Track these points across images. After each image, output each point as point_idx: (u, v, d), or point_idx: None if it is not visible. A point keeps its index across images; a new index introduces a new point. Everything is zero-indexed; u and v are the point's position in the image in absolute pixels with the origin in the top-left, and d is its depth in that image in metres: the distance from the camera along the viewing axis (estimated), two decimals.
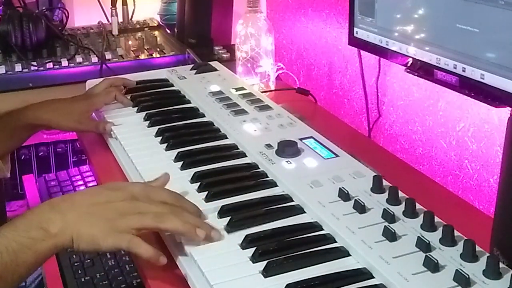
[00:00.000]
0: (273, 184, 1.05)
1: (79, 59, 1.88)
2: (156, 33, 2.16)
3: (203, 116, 1.34)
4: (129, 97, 1.43)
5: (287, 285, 0.80)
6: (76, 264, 1.30)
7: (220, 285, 0.82)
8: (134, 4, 2.28)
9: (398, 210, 0.92)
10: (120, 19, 2.21)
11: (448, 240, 0.84)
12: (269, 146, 1.15)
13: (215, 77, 1.53)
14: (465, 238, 0.84)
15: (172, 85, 1.53)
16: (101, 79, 1.46)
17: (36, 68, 1.82)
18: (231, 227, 0.92)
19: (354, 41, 1.25)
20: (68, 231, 0.88)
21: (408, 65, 1.10)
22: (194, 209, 0.96)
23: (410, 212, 0.91)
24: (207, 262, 0.86)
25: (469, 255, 0.81)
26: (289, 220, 0.95)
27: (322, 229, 0.92)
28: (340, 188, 0.98)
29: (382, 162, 1.21)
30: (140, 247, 0.88)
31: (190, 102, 1.42)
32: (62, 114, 1.33)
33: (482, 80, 0.92)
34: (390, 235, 0.86)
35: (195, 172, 1.09)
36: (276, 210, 0.97)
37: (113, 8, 2.16)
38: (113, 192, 0.94)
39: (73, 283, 1.27)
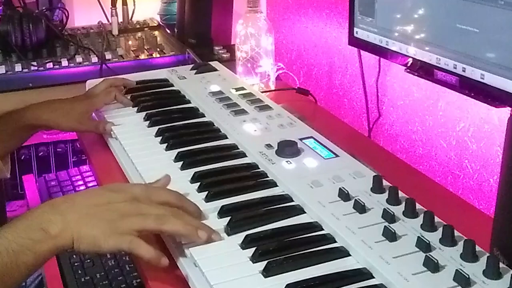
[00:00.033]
0: (273, 184, 1.05)
1: (79, 59, 1.88)
2: (156, 33, 2.16)
3: (203, 116, 1.34)
4: (129, 97, 1.43)
5: (287, 285, 0.80)
6: (76, 264, 1.30)
7: (220, 285, 0.82)
8: (134, 4, 2.28)
9: (398, 210, 0.92)
10: (120, 19, 2.21)
11: (448, 240, 0.84)
12: (269, 146, 1.15)
13: (215, 77, 1.53)
14: (465, 238, 0.84)
15: (172, 85, 1.53)
16: (101, 79, 1.46)
17: (36, 68, 1.82)
18: (231, 227, 0.92)
19: (354, 41, 1.25)
20: (68, 232, 0.87)
21: (408, 65, 1.10)
22: (195, 208, 0.96)
23: (410, 212, 0.91)
24: (207, 262, 0.86)
25: (469, 255, 0.81)
26: (289, 220, 0.95)
27: (322, 229, 0.92)
28: (340, 188, 0.98)
29: (382, 162, 1.21)
30: (141, 248, 0.88)
31: (190, 102, 1.42)
32: (62, 114, 1.33)
33: (482, 80, 0.92)
34: (390, 235, 0.86)
35: (195, 172, 1.09)
36: (276, 210, 0.97)
37: (113, 8, 2.16)
38: (114, 193, 0.93)
39: (73, 283, 1.27)
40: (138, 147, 1.22)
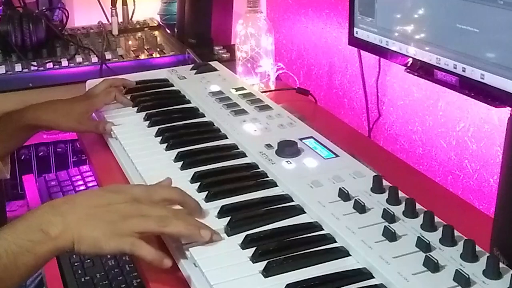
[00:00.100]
0: (273, 184, 1.05)
1: (79, 59, 1.88)
2: (156, 33, 2.16)
3: (203, 116, 1.34)
4: (129, 97, 1.43)
5: (287, 285, 0.80)
6: (76, 264, 1.30)
7: (220, 285, 0.82)
8: (134, 4, 2.27)
9: (398, 210, 0.92)
10: (120, 19, 2.21)
11: (448, 240, 0.84)
12: (269, 146, 1.15)
13: (215, 77, 1.53)
14: (465, 238, 0.84)
15: (172, 85, 1.53)
16: (101, 79, 1.45)
17: (36, 68, 1.82)
18: (231, 227, 0.92)
19: (354, 41, 1.25)
20: (69, 233, 0.87)
21: (408, 65, 1.10)
22: (195, 204, 0.96)
23: (410, 212, 0.91)
24: (207, 262, 0.86)
25: (469, 255, 0.81)
26: (289, 220, 0.95)
27: (322, 229, 0.92)
28: (340, 188, 0.98)
29: (382, 162, 1.21)
30: (143, 250, 0.87)
31: (190, 102, 1.42)
32: (62, 115, 1.33)
33: (482, 80, 0.92)
34: (390, 235, 0.86)
35: (195, 172, 1.09)
36: (276, 210, 0.97)
37: (113, 8, 2.16)
38: (114, 195, 0.93)
39: (73, 283, 1.27)
40: (138, 147, 1.22)
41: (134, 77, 1.52)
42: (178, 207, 0.96)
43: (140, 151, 1.21)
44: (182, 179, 1.07)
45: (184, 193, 0.97)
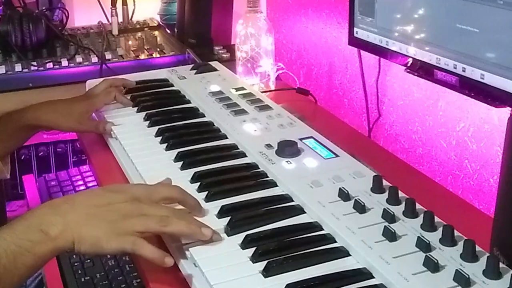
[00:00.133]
0: (273, 184, 1.05)
1: (79, 59, 1.88)
2: (156, 33, 2.16)
3: (203, 116, 1.34)
4: (129, 97, 1.43)
5: (287, 285, 0.80)
6: (76, 264, 1.30)
7: (220, 285, 0.82)
8: (134, 4, 2.27)
9: (398, 210, 0.92)
10: (120, 19, 2.21)
11: (448, 240, 0.84)
12: (269, 146, 1.15)
13: (215, 77, 1.53)
14: (465, 238, 0.84)
15: (172, 85, 1.53)
16: (101, 79, 1.45)
17: (36, 68, 1.82)
18: (231, 227, 0.92)
19: (354, 41, 1.25)
20: (69, 233, 0.87)
21: (408, 65, 1.10)
22: (195, 202, 0.96)
23: (410, 212, 0.91)
24: (207, 262, 0.86)
25: (469, 255, 0.81)
26: (289, 220, 0.95)
27: (322, 229, 0.92)
28: (340, 188, 0.98)
29: (382, 162, 1.21)
30: (144, 249, 0.87)
31: (190, 102, 1.42)
32: (62, 115, 1.33)
33: (482, 80, 0.92)
34: (390, 235, 0.86)
35: (195, 172, 1.09)
36: (276, 210, 0.97)
37: (113, 8, 2.16)
38: (114, 194, 0.93)
39: (73, 283, 1.27)
40: (138, 147, 1.22)
41: (134, 77, 1.52)
42: (179, 206, 0.96)
43: (140, 151, 1.21)
44: (182, 179, 1.07)
45: (184, 191, 0.97)
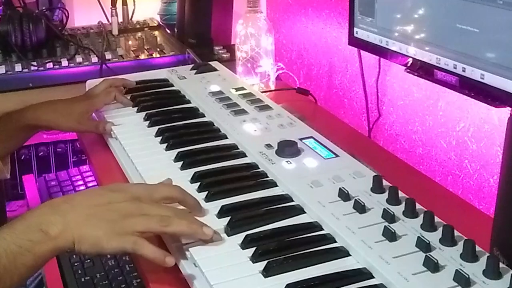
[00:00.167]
0: (273, 184, 1.05)
1: (79, 59, 1.88)
2: (156, 33, 2.16)
3: (203, 116, 1.34)
4: (129, 97, 1.43)
5: (287, 285, 0.80)
6: (76, 264, 1.30)
7: (220, 285, 0.82)
8: (134, 4, 2.27)
9: (398, 210, 0.92)
10: (120, 19, 2.21)
11: (448, 240, 0.84)
12: (269, 146, 1.15)
13: (215, 77, 1.53)
14: (465, 238, 0.84)
15: (172, 85, 1.53)
16: (101, 79, 1.46)
17: (36, 68, 1.82)
18: (231, 227, 0.92)
19: (354, 41, 1.25)
20: (69, 233, 0.87)
21: (408, 65, 1.10)
22: (195, 202, 0.96)
23: (410, 212, 0.91)
24: (207, 262, 0.86)
25: (469, 255, 0.81)
26: (289, 220, 0.95)
27: (322, 229, 0.92)
28: (340, 188, 0.98)
29: (382, 162, 1.21)
30: (145, 249, 0.87)
31: (190, 102, 1.42)
32: (62, 115, 1.33)
33: (482, 80, 0.92)
34: (390, 235, 0.86)
35: (195, 172, 1.09)
36: (276, 210, 0.97)
37: (113, 8, 2.16)
38: (114, 193, 0.93)
39: (73, 283, 1.26)
40: (138, 147, 1.22)
41: (134, 77, 1.52)
42: (180, 207, 0.96)
43: (140, 151, 1.21)
44: (182, 179, 1.07)
45: (184, 191, 0.97)
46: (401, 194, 0.96)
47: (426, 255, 0.81)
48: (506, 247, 0.88)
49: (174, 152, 1.17)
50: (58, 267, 1.31)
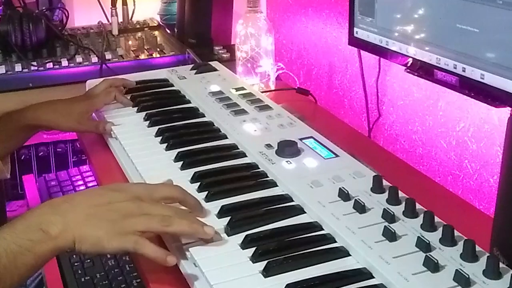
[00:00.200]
0: (273, 184, 1.05)
1: (79, 59, 1.88)
2: (156, 33, 2.16)
3: (203, 116, 1.34)
4: (129, 97, 1.43)
5: (287, 285, 0.80)
6: (76, 264, 1.30)
7: (220, 285, 0.82)
8: (134, 4, 2.27)
9: (398, 210, 0.92)
10: (120, 19, 2.21)
11: (448, 240, 0.84)
12: (269, 146, 1.15)
13: (215, 77, 1.53)
14: (465, 238, 0.84)
15: (172, 85, 1.53)
16: (101, 79, 1.46)
17: (36, 68, 1.82)
18: (231, 227, 0.92)
19: (354, 41, 1.25)
20: (69, 233, 0.87)
21: (408, 65, 1.10)
22: (196, 202, 0.96)
23: (410, 212, 0.91)
24: (207, 262, 0.86)
25: (469, 255, 0.81)
26: (289, 220, 0.95)
27: (322, 229, 0.92)
28: (340, 188, 0.98)
29: (382, 162, 1.21)
30: (147, 248, 0.87)
31: (190, 102, 1.42)
32: (62, 115, 1.33)
33: (482, 80, 0.92)
34: (390, 235, 0.86)
35: (195, 172, 1.09)
36: (276, 210, 0.97)
37: (113, 8, 2.16)
38: (115, 193, 0.93)
39: (73, 283, 1.27)
40: (138, 147, 1.22)
41: (134, 77, 1.52)
42: (182, 207, 0.96)
43: (140, 151, 1.21)
44: (182, 179, 1.07)
45: (184, 191, 0.97)
46: (401, 194, 0.96)
47: (426, 255, 0.81)
48: (506, 247, 0.88)
49: (174, 152, 1.17)
50: (58, 267, 1.31)
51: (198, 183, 1.05)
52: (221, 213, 0.96)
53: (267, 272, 0.83)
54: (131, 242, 0.87)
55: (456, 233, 0.85)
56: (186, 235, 0.90)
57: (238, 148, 1.19)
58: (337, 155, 1.11)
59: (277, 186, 1.05)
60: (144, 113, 1.36)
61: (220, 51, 1.90)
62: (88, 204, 0.90)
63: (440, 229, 0.86)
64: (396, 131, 1.55)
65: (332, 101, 1.80)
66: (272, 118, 1.28)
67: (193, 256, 0.87)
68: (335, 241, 0.89)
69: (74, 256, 1.32)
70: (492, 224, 0.92)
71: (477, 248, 0.82)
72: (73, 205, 0.90)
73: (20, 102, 1.35)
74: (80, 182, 1.75)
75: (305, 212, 0.97)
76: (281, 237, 0.90)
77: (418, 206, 0.93)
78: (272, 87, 1.65)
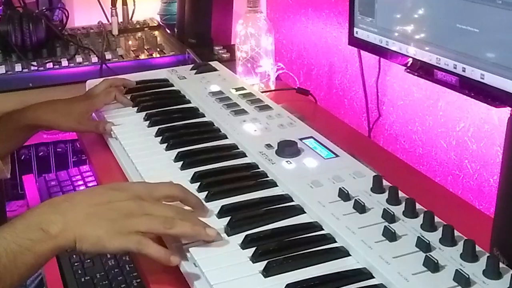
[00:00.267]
0: (273, 184, 1.05)
1: (79, 59, 1.88)
2: (156, 33, 2.16)
3: (203, 116, 1.34)
4: (129, 97, 1.43)
5: (287, 285, 0.80)
6: (76, 264, 1.30)
7: (220, 285, 0.82)
8: (134, 4, 2.27)
9: (398, 210, 0.92)
10: (120, 19, 2.21)
11: (448, 240, 0.84)
12: (269, 146, 1.15)
13: (215, 77, 1.53)
14: (465, 238, 0.84)
15: (172, 85, 1.53)
16: (101, 79, 1.46)
17: (36, 68, 1.82)
18: (231, 227, 0.92)
19: (354, 41, 1.25)
20: (69, 232, 0.86)
21: (408, 65, 1.10)
22: (197, 200, 0.96)
23: (410, 212, 0.91)
24: (207, 262, 0.86)
25: (469, 255, 0.81)
26: (289, 220, 0.95)
27: (322, 229, 0.92)
28: (340, 188, 0.98)
29: (382, 162, 1.21)
30: (150, 248, 0.87)
31: (190, 102, 1.42)
32: (62, 115, 1.33)
33: (482, 80, 0.92)
34: (390, 235, 0.86)
35: (195, 172, 1.09)
36: (276, 210, 0.97)
37: (113, 8, 2.16)
38: (115, 192, 0.92)
39: (73, 283, 1.27)
40: (138, 147, 1.22)
41: (134, 77, 1.52)
42: (186, 207, 0.96)
43: (140, 151, 1.21)
44: (182, 179, 1.07)
45: (185, 189, 0.97)
46: (401, 194, 0.96)
47: (426, 255, 0.81)
48: (506, 247, 0.88)
49: (174, 152, 1.17)
50: (58, 267, 1.31)
51: (198, 183, 1.05)
52: (221, 213, 0.96)
53: (267, 272, 0.83)
54: (134, 242, 0.87)
55: (456, 233, 0.85)
56: (189, 237, 0.90)
57: (238, 148, 1.19)
58: (337, 155, 1.11)
59: (277, 186, 1.05)
60: (144, 113, 1.36)
61: (220, 51, 1.90)
62: (88, 203, 0.90)
63: (440, 229, 0.86)
64: (396, 131, 1.55)
65: (332, 101, 1.80)
66: (272, 118, 1.28)
67: (193, 256, 0.87)
68: (335, 241, 0.89)
69: (74, 256, 1.32)
70: (492, 224, 0.92)
71: (477, 248, 0.82)
72: (73, 204, 0.90)
73: (20, 102, 1.35)
74: (80, 182, 1.75)
75: (305, 212, 0.97)
76: (281, 237, 0.90)
77: (418, 206, 0.93)
78: (272, 87, 1.65)
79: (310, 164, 1.09)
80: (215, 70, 1.58)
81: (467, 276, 0.77)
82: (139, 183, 1.03)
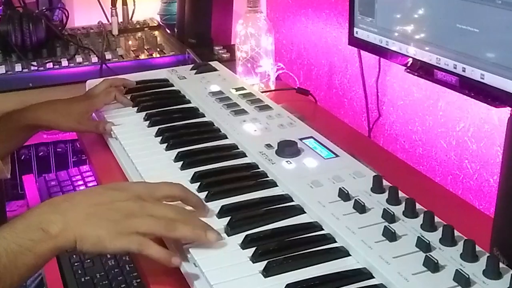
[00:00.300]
0: (273, 184, 1.05)
1: (79, 59, 1.88)
2: (156, 33, 2.16)
3: (203, 116, 1.34)
4: (129, 97, 1.43)
5: (287, 285, 0.80)
6: (76, 264, 1.30)
7: (220, 285, 0.82)
8: (134, 4, 2.28)
9: (398, 210, 0.92)
10: (120, 19, 2.21)
11: (448, 240, 0.84)
12: (269, 146, 1.15)
13: (215, 77, 1.53)
14: (465, 238, 0.84)
15: (172, 85, 1.53)
16: (101, 79, 1.46)
17: (36, 68, 1.82)
18: (231, 227, 0.92)
19: (354, 41, 1.25)
20: (70, 232, 0.86)
21: (408, 65, 1.10)
22: (197, 200, 0.96)
23: (410, 212, 0.91)
24: (207, 262, 0.86)
25: (469, 255, 0.81)
26: (289, 220, 0.95)
27: (322, 229, 0.92)
28: (340, 188, 0.98)
29: (382, 162, 1.21)
30: (151, 249, 0.87)
31: (190, 102, 1.42)
32: (62, 115, 1.33)
33: (482, 80, 0.92)
34: (390, 235, 0.86)
35: (195, 172, 1.09)
36: (276, 210, 0.97)
37: (113, 8, 2.16)
38: (115, 192, 0.92)
39: (73, 283, 1.26)
40: (138, 147, 1.22)
41: (134, 77, 1.52)
42: (188, 207, 0.96)
43: (140, 151, 1.21)
44: (182, 179, 1.07)
45: (186, 189, 0.97)
46: (401, 194, 0.96)
47: (426, 255, 0.81)
48: (506, 247, 0.88)
49: (174, 152, 1.17)
50: (58, 267, 1.31)
51: (198, 183, 1.05)
52: (221, 213, 0.96)
53: (267, 272, 0.83)
54: (135, 243, 0.86)
55: (456, 233, 0.86)
56: (189, 240, 0.90)
57: (238, 148, 1.19)
58: (337, 155, 1.11)
59: (277, 186, 1.05)
60: (144, 113, 1.36)
61: (220, 51, 1.90)
62: (88, 203, 0.90)
63: (440, 229, 0.86)
64: (396, 131, 1.55)
65: (332, 101, 1.80)
66: (272, 118, 1.28)
67: (193, 256, 0.87)
68: (335, 241, 0.89)
69: (74, 256, 1.32)
70: (492, 224, 0.92)
71: (477, 248, 0.82)
72: (73, 204, 0.90)
73: (20, 102, 1.35)
74: (80, 182, 1.75)
75: (305, 212, 0.97)
76: (281, 237, 0.90)
77: (418, 206, 0.93)
78: (272, 87, 1.65)
79: (310, 164, 1.09)
80: (215, 70, 1.58)
81: (467, 276, 0.77)
82: (140, 183, 1.03)
